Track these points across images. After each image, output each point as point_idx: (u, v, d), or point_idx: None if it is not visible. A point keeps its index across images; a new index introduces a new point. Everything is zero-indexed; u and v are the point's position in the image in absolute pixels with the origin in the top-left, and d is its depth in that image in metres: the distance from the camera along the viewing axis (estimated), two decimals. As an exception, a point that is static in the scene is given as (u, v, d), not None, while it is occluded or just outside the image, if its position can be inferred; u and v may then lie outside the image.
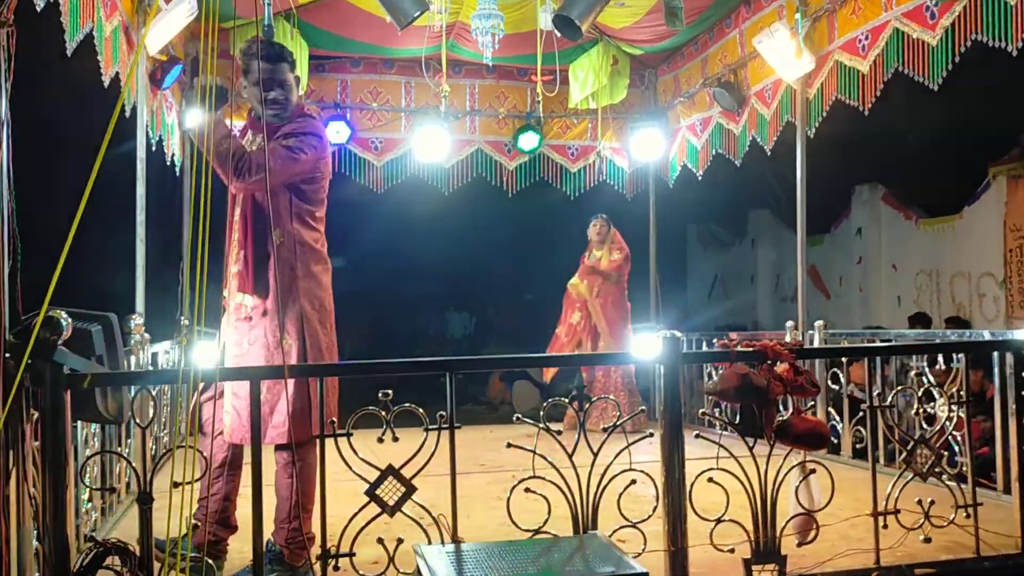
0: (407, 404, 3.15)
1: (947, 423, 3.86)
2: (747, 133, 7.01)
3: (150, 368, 5.19)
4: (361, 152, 8.21)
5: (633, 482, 3.25)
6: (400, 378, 3.52)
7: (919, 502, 3.52)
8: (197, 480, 2.99)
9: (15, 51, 2.93)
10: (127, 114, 5.10)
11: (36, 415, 2.91)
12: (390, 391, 3.06)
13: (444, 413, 3.11)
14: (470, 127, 8.43)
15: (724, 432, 3.46)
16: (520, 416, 3.42)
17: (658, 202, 8.68)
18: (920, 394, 3.98)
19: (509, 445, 3.34)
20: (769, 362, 3.39)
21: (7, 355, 2.78)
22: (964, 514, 3.58)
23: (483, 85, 8.36)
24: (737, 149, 7.24)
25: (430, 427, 3.10)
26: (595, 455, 3.19)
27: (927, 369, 4.90)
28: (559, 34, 5.66)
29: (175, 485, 3.05)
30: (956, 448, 4.71)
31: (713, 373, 6.25)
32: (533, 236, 16.19)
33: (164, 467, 3.48)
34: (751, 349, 3.46)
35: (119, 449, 4.52)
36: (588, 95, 7.80)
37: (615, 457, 3.21)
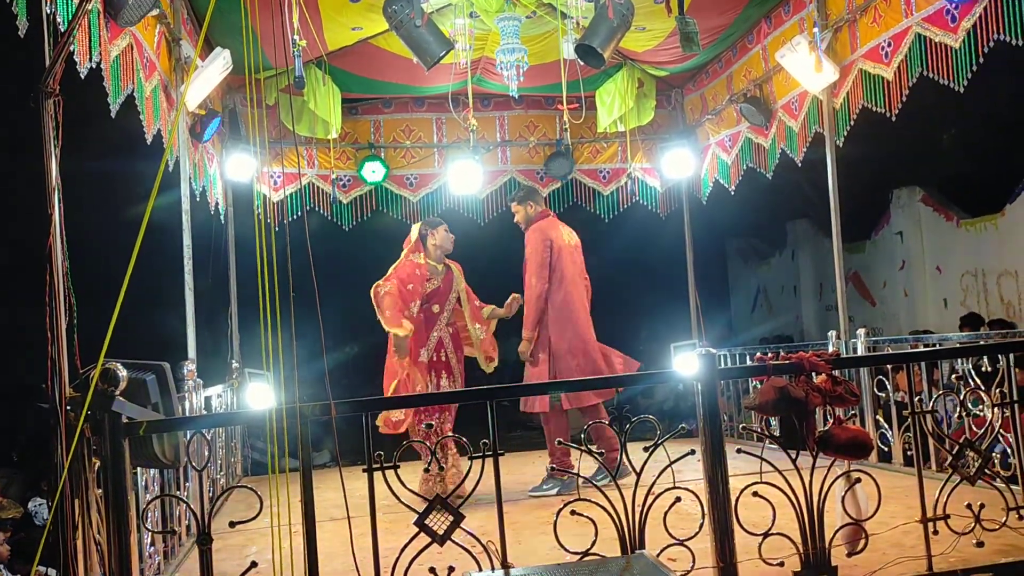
0: (450, 434, 3.22)
1: (994, 424, 3.82)
2: (776, 146, 7.01)
3: (203, 412, 5.34)
4: (397, 189, 8.39)
5: (678, 500, 3.28)
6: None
7: (968, 506, 3.49)
8: (252, 519, 3.09)
9: (62, 119, 3.11)
10: (170, 168, 5.29)
11: (98, 464, 3.05)
12: (432, 423, 3.14)
13: (487, 441, 3.18)
14: (502, 158, 8.56)
15: (768, 446, 3.47)
16: (561, 440, 3.48)
17: (693, 219, 8.67)
18: (962, 397, 3.94)
19: (553, 469, 3.40)
20: (806, 373, 3.41)
21: (68, 408, 2.93)
22: (1016, 516, 3.54)
23: (512, 116, 8.50)
24: (767, 162, 7.24)
25: (474, 455, 3.17)
26: (638, 475, 3.23)
27: (972, 372, 4.85)
28: (582, 63, 5.74)
29: (231, 525, 3.17)
30: (1010, 450, 4.64)
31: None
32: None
33: (223, 509, 3.61)
34: (787, 362, 3.48)
35: (178, 492, 4.64)
36: (616, 119, 7.86)
37: (658, 476, 3.25)
